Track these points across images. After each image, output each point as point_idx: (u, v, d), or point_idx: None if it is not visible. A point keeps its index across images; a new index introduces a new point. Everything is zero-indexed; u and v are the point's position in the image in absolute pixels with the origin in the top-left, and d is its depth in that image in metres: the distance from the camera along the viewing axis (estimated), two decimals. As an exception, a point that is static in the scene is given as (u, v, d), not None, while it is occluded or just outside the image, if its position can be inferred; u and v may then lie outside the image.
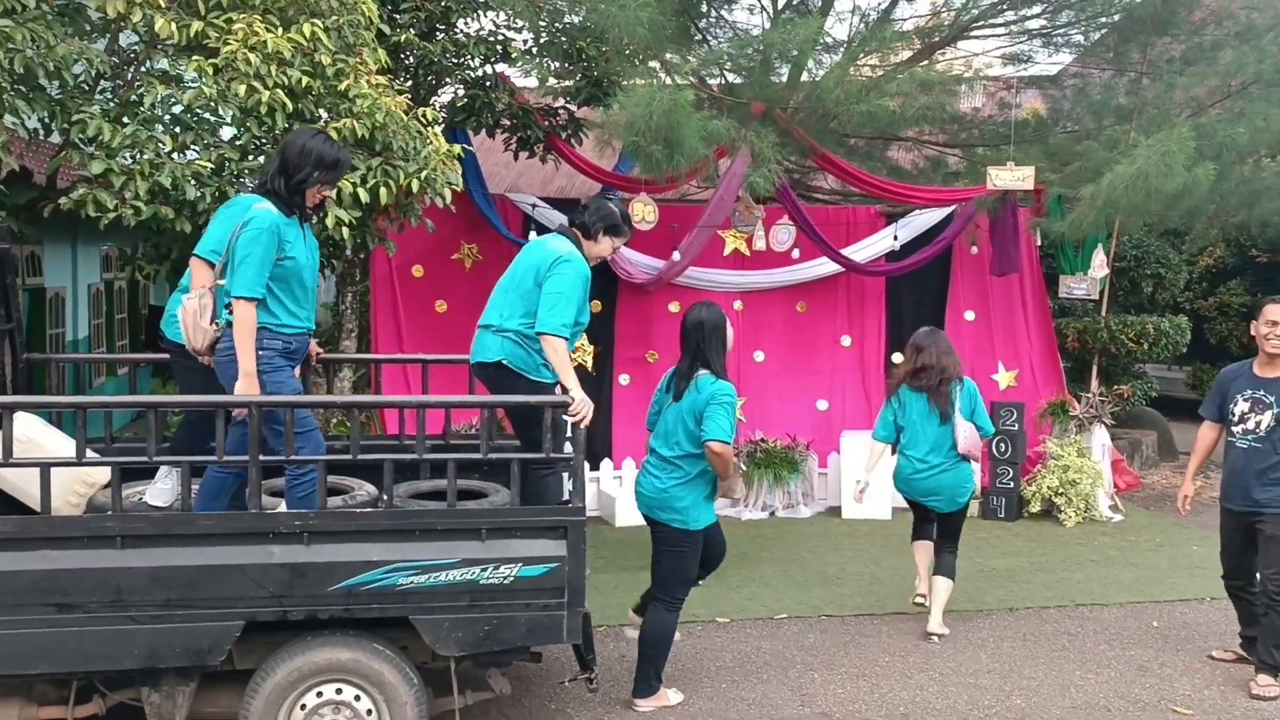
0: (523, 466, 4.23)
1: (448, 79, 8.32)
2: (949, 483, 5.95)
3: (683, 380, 4.87)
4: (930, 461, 5.93)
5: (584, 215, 4.86)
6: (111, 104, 5.49)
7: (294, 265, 4.12)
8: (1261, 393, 5.30)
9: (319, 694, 3.99)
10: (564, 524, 4.07)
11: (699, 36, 10.87)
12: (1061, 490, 8.77)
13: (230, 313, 4.07)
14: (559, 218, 9.17)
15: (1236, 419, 5.37)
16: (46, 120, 5.32)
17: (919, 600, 6.23)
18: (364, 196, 5.54)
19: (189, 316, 4.20)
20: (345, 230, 5.48)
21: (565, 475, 4.62)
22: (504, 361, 4.65)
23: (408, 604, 3.96)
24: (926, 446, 5.94)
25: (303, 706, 3.98)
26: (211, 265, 4.33)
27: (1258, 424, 5.29)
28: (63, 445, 4.62)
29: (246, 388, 3.98)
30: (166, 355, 4.73)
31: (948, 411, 5.92)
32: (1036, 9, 10.47)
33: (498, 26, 8.17)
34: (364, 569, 3.91)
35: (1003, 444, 8.95)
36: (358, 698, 4.01)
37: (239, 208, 4.36)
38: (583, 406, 4.25)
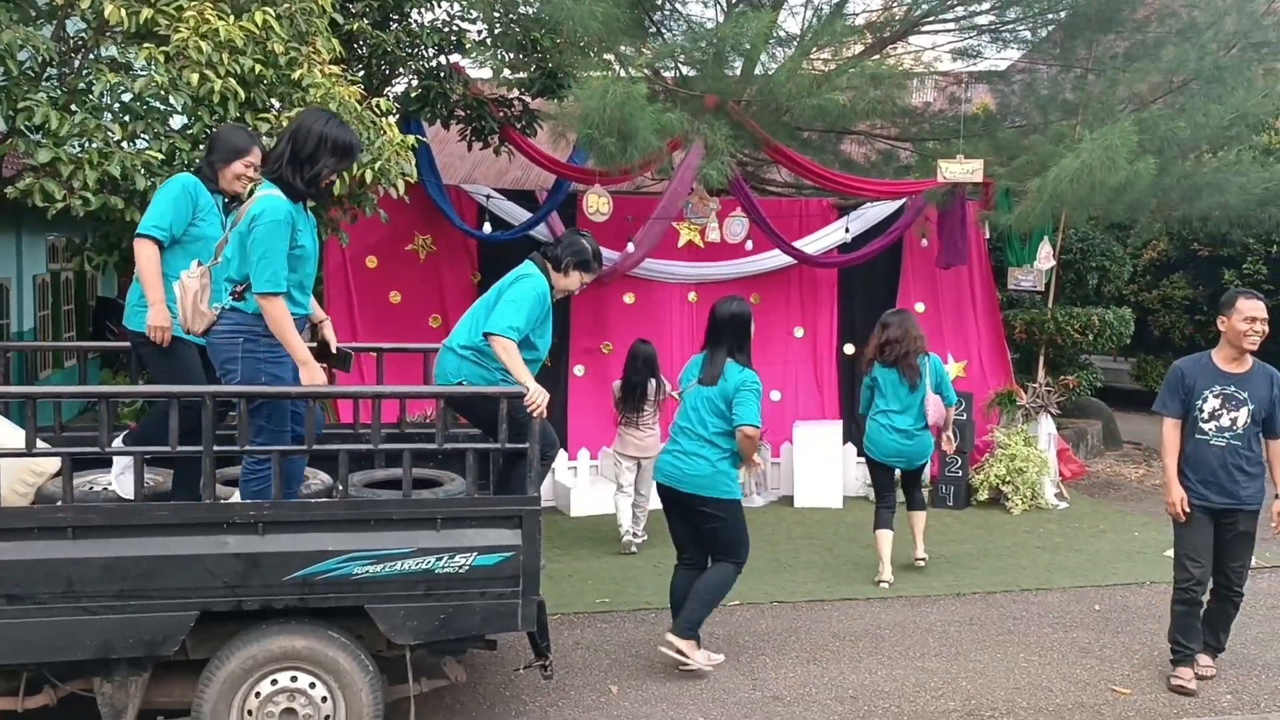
0: (480, 456, 4.25)
1: (401, 69, 8.28)
2: (916, 448, 6.80)
3: (713, 367, 5.29)
4: (899, 426, 6.72)
5: (556, 248, 4.92)
6: (59, 92, 5.42)
7: (303, 253, 4.13)
8: (1233, 389, 5.16)
9: (274, 681, 3.99)
10: (519, 513, 4.11)
11: (653, 29, 10.92)
12: (1009, 479, 8.95)
13: (233, 298, 4.08)
14: (514, 209, 9.20)
15: (1207, 416, 5.17)
16: (-10, 108, 5.25)
17: (883, 583, 6.73)
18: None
19: (189, 298, 4.14)
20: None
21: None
22: (463, 384, 4.65)
23: (363, 593, 3.98)
24: (898, 411, 6.71)
25: (257, 694, 3.98)
26: (160, 243, 4.37)
27: (1233, 420, 5.13)
28: (10, 435, 4.58)
29: (310, 376, 4.03)
30: (116, 345, 4.73)
31: (916, 381, 6.69)
32: (985, 4, 10.64)
33: (451, 17, 8.15)
34: (319, 559, 3.91)
35: (952, 434, 9.10)
36: (313, 685, 4.02)
37: (179, 186, 4.44)
38: (537, 396, 4.28)
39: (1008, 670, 5.45)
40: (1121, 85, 9.51)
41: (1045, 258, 9.62)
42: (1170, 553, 7.41)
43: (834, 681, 5.28)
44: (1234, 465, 5.15)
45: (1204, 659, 5.40)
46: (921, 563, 7.05)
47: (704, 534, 5.34)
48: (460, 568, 4.02)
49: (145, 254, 4.35)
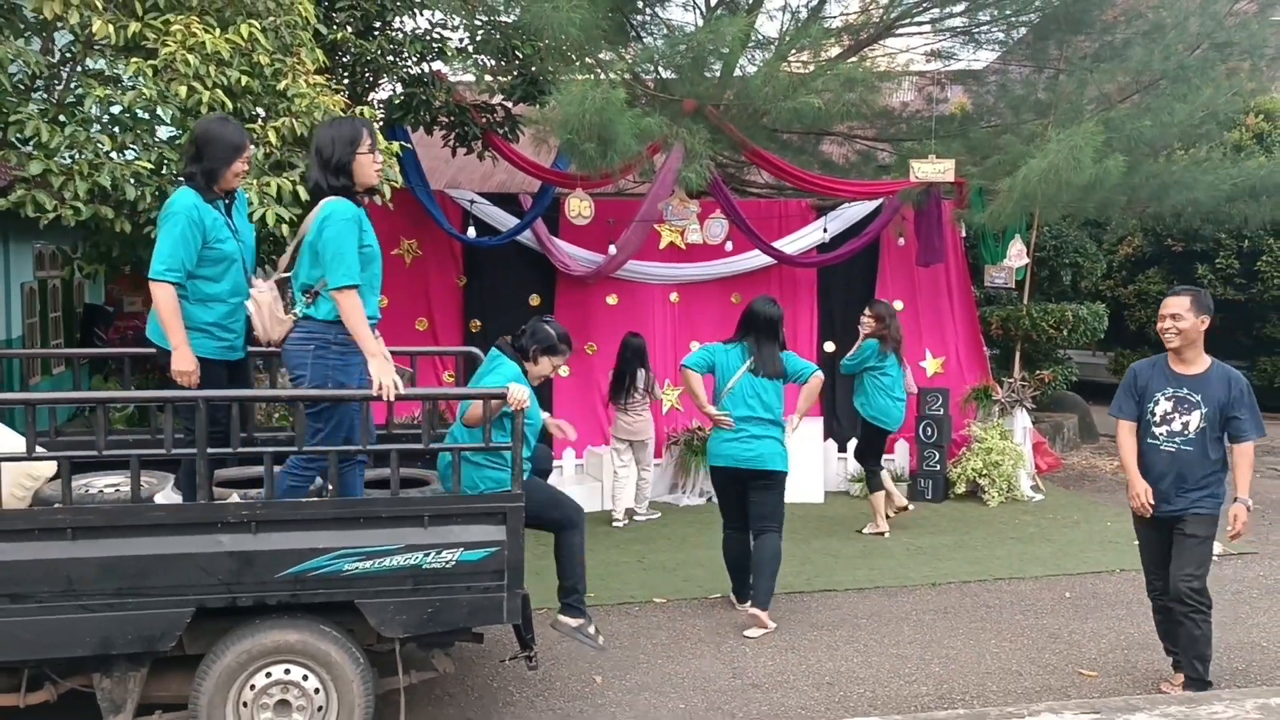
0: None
1: (384, 76, 8.42)
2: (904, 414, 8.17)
3: (773, 362, 6.13)
4: (903, 399, 8.11)
5: (522, 338, 5.13)
6: (49, 104, 5.54)
7: (370, 252, 4.30)
8: (1185, 391, 4.94)
9: (268, 674, 4.13)
10: (503, 510, 4.26)
11: (633, 33, 11.07)
12: (985, 472, 9.15)
13: (308, 304, 4.24)
14: (498, 213, 9.35)
15: (1158, 419, 4.97)
16: (-19, 121, 5.37)
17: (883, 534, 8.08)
18: (303, 194, 5.65)
19: (264, 312, 4.26)
20: (285, 227, 5.59)
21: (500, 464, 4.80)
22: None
23: (354, 589, 4.12)
24: (901, 390, 8.03)
25: (252, 686, 4.12)
26: (182, 286, 4.28)
27: (1185, 425, 4.92)
28: (8, 440, 4.72)
29: (378, 368, 4.15)
30: (107, 351, 4.80)
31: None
32: (959, 7, 10.83)
33: (433, 25, 8.28)
34: (311, 556, 4.05)
35: (929, 428, 9.31)
36: (305, 677, 4.16)
37: (184, 219, 4.26)
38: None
39: (979, 656, 5.63)
40: (1090, 85, 9.71)
41: (1017, 255, 9.82)
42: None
43: (811, 669, 5.45)
44: (1181, 473, 4.90)
45: (1176, 675, 5.17)
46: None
47: (756, 505, 6.11)
48: (447, 563, 4.17)
49: (161, 296, 4.22)
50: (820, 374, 6.26)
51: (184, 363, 4.24)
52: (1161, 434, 4.97)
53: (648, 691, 5.16)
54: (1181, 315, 4.89)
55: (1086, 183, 8.10)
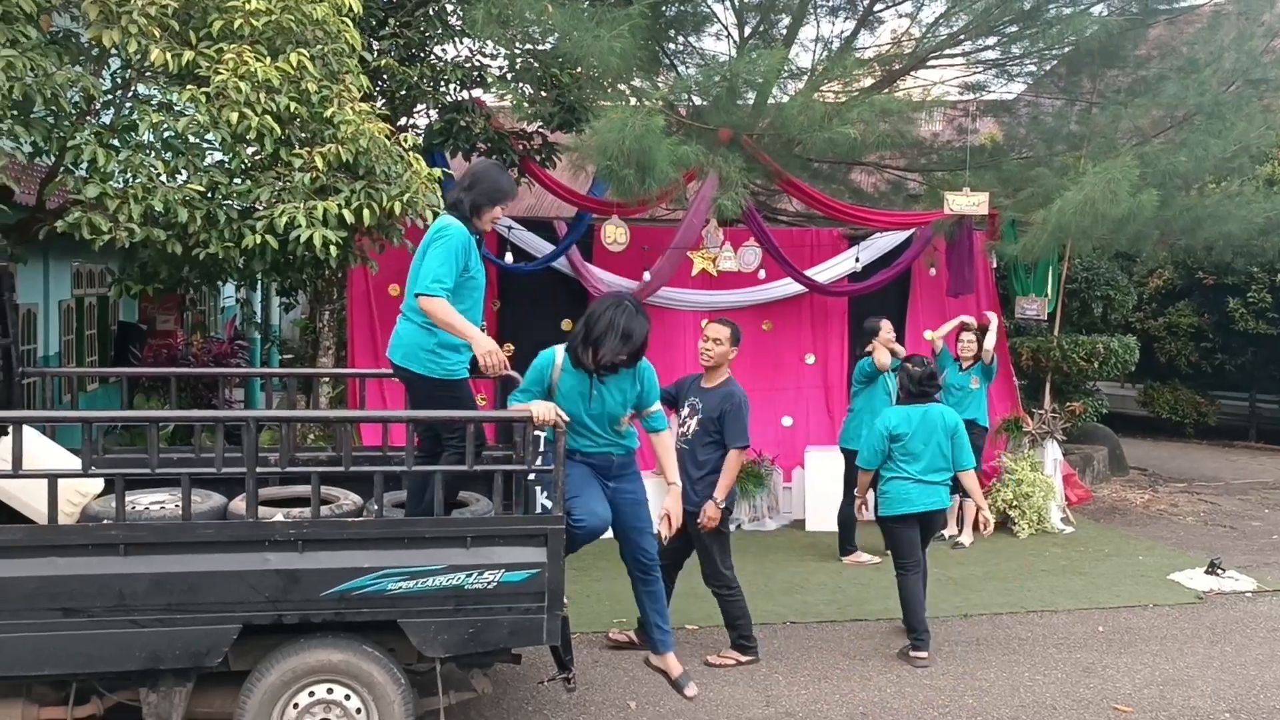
0: (506, 477, 4.46)
1: (423, 102, 8.56)
2: None
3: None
4: None
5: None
6: (103, 129, 5.67)
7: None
8: (696, 399, 5.83)
9: (311, 694, 4.19)
10: (544, 532, 4.31)
11: (668, 62, 11.19)
12: (1015, 503, 9.12)
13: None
14: (534, 240, 9.46)
15: (680, 423, 5.89)
16: (40, 144, 5.50)
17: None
18: (349, 218, 5.76)
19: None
20: (332, 249, 5.68)
21: (539, 487, 4.84)
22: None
23: (397, 608, 4.18)
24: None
25: (295, 705, 4.18)
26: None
27: (686, 426, 5.83)
28: (58, 457, 4.82)
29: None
30: (146, 370, 4.87)
31: None
32: (991, 40, 10.89)
33: (473, 53, 8.42)
34: (356, 575, 4.12)
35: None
36: (348, 697, 4.22)
37: (460, 241, 4.54)
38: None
39: (1013, 689, 5.62)
40: (1124, 119, 9.73)
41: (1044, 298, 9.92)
42: (1174, 576, 7.60)
43: (845, 699, 5.45)
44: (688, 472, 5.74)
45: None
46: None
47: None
48: (489, 584, 4.22)
49: (436, 305, 4.41)
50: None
51: (485, 343, 4.42)
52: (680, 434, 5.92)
53: (680, 718, 5.18)
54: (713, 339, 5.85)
55: (1121, 216, 8.11)
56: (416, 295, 4.44)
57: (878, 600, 7.08)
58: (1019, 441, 9.68)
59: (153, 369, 6.39)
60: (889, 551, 6.64)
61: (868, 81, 11.02)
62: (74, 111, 5.62)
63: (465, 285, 4.60)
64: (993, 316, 8.88)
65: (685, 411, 5.87)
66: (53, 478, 4.01)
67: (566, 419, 4.44)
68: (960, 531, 8.73)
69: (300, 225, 5.42)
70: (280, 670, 4.15)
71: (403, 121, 8.54)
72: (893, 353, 8.03)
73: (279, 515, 4.35)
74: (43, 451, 4.74)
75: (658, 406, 5.16)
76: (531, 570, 4.27)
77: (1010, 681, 5.72)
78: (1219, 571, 7.77)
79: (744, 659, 5.90)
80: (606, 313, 4.80)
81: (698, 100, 9.96)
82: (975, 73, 11.46)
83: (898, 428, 6.14)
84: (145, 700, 4.14)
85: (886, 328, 8.11)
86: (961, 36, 10.78)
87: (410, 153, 6.27)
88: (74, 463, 4.63)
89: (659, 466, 5.24)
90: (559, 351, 4.92)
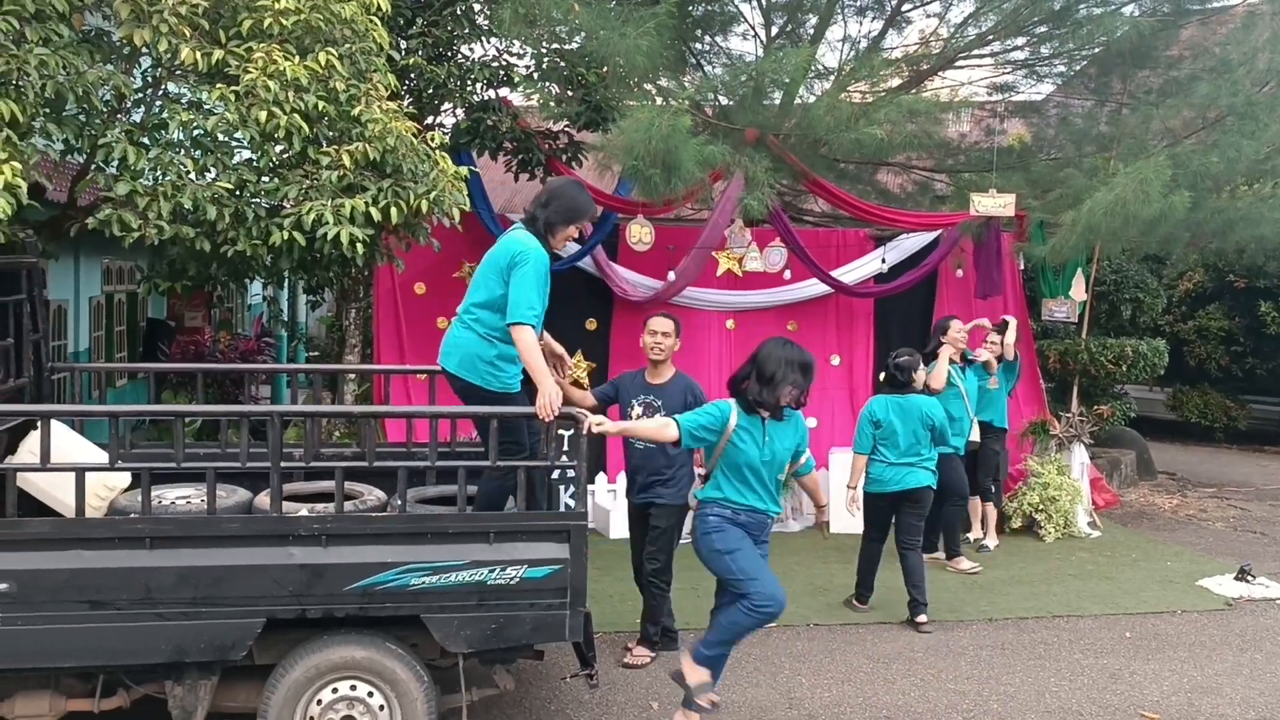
0: (529, 474, 4.47)
1: (449, 101, 8.59)
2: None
3: None
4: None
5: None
6: (133, 127, 5.72)
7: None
8: (651, 397, 5.84)
9: (334, 690, 4.21)
10: (567, 528, 4.31)
11: (694, 61, 11.18)
12: (1042, 507, 9.04)
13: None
14: (559, 238, 9.45)
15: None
16: (71, 142, 5.56)
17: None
18: (376, 216, 5.78)
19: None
20: (359, 247, 5.71)
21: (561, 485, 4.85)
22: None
23: (420, 603, 4.19)
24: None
25: (319, 701, 4.20)
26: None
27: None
28: (85, 451, 4.86)
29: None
30: (175, 366, 4.91)
31: None
32: (1020, 40, 10.81)
33: (500, 52, 8.44)
34: (379, 570, 4.13)
35: (985, 461, 9.22)
36: (371, 694, 4.23)
37: (544, 267, 4.60)
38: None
39: (1039, 694, 5.57)
40: (1155, 120, 9.63)
41: (1078, 290, 9.75)
42: (1203, 582, 7.52)
43: (868, 701, 5.42)
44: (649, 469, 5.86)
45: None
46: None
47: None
48: (511, 580, 4.22)
49: (527, 340, 4.46)
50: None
51: (551, 389, 4.37)
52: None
53: None
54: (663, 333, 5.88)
55: (1153, 217, 8.03)
56: (510, 324, 4.47)
57: (901, 603, 7.02)
58: (1046, 445, 9.60)
59: (180, 365, 6.44)
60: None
61: (895, 82, 10.98)
62: (105, 110, 5.67)
63: None
64: (1011, 320, 8.76)
65: (638, 410, 5.83)
66: (80, 471, 4.04)
67: (585, 414, 4.45)
68: (985, 534, 8.67)
69: (328, 223, 5.45)
70: (304, 666, 4.17)
71: (430, 120, 8.56)
72: (961, 355, 8.06)
73: (303, 510, 4.37)
74: (70, 445, 4.79)
75: (809, 454, 5.16)
76: (554, 566, 4.26)
77: (1036, 687, 5.67)
78: (1249, 578, 7.67)
79: (653, 654, 5.92)
80: (775, 351, 4.82)
81: (724, 100, 9.95)
82: (1004, 73, 11.38)
83: (878, 415, 6.71)
84: (171, 693, 4.17)
85: (956, 326, 7.97)
86: (990, 37, 10.71)
87: (437, 151, 6.29)
88: (101, 457, 4.68)
89: (809, 495, 5.47)
90: (733, 404, 4.90)
